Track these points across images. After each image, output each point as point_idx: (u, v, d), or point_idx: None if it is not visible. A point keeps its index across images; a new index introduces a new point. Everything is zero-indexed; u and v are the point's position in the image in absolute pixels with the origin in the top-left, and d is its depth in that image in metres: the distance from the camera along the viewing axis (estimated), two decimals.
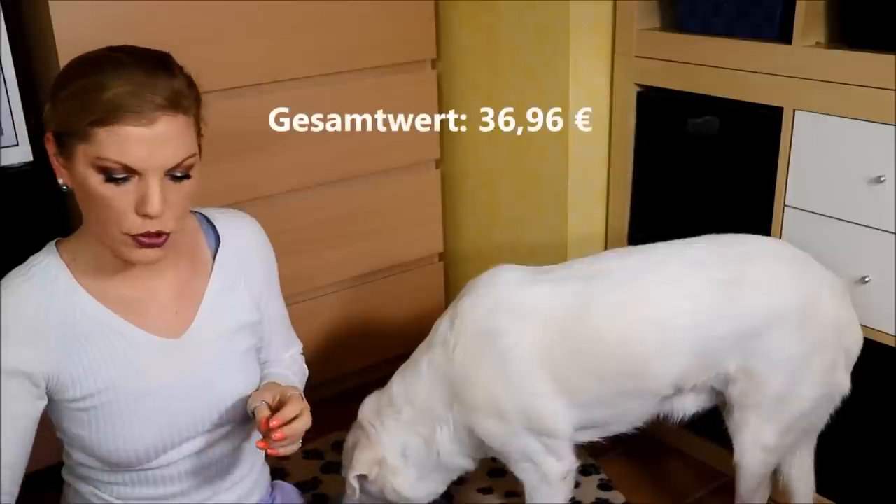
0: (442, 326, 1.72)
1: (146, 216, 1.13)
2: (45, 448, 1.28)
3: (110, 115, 1.08)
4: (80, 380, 1.21)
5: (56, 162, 1.17)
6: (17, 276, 1.21)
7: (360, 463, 1.73)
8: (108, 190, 1.12)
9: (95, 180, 1.12)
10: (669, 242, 1.74)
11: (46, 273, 1.21)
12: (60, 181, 1.18)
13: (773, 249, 1.73)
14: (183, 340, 1.28)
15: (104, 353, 1.22)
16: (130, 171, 1.11)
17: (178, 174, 1.15)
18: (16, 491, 1.23)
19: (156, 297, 1.27)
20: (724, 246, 1.71)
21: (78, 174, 1.13)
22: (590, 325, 1.63)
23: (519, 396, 1.63)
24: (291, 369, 1.49)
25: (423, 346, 1.76)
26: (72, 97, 1.12)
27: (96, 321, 1.22)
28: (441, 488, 1.82)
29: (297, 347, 1.55)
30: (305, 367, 1.55)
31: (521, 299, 1.66)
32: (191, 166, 1.16)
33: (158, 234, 1.15)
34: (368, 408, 1.79)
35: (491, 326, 1.64)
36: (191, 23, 2.02)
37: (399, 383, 1.76)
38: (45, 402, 1.22)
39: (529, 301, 1.66)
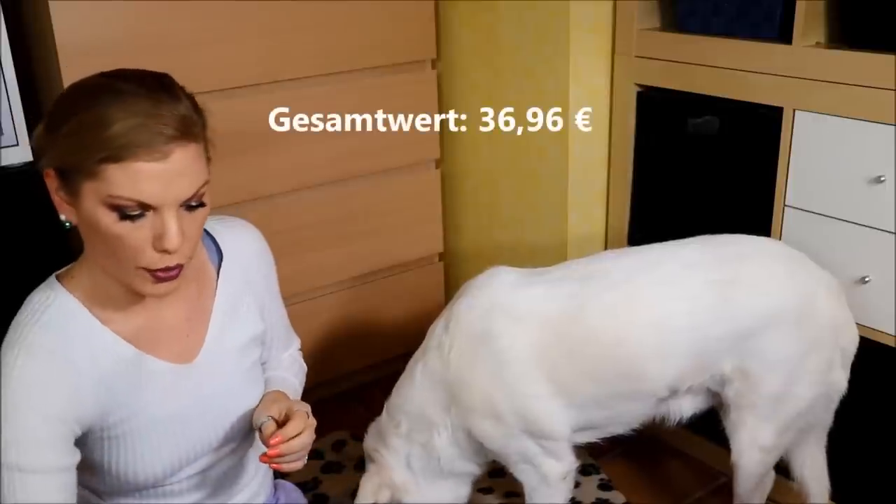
0: (437, 330, 1.72)
1: (164, 252, 1.08)
2: None
3: (120, 152, 1.02)
4: (105, 414, 1.18)
5: (58, 198, 1.11)
6: (29, 323, 1.14)
7: (363, 491, 1.74)
8: (123, 228, 1.06)
9: (108, 219, 1.06)
10: (664, 243, 1.73)
11: (62, 313, 1.15)
12: (63, 217, 1.12)
13: (768, 249, 1.72)
14: (196, 364, 1.26)
15: (125, 386, 1.18)
16: (145, 208, 1.06)
17: (193, 203, 1.10)
18: None
19: (167, 324, 1.24)
20: (719, 246, 1.70)
21: (86, 212, 1.07)
22: (585, 326, 1.63)
23: (514, 398, 1.63)
24: (291, 370, 1.49)
25: (417, 353, 1.76)
26: (73, 133, 1.05)
27: (117, 355, 1.18)
28: (462, 492, 1.81)
29: (295, 344, 1.54)
30: (304, 363, 1.55)
31: (516, 301, 1.66)
32: (204, 194, 1.11)
33: (178, 266, 1.11)
34: (370, 435, 1.80)
35: (486, 328, 1.64)
36: (191, 23, 2.02)
37: (395, 396, 1.77)
38: (79, 457, 1.17)
39: (525, 303, 1.65)
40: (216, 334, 1.29)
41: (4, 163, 1.82)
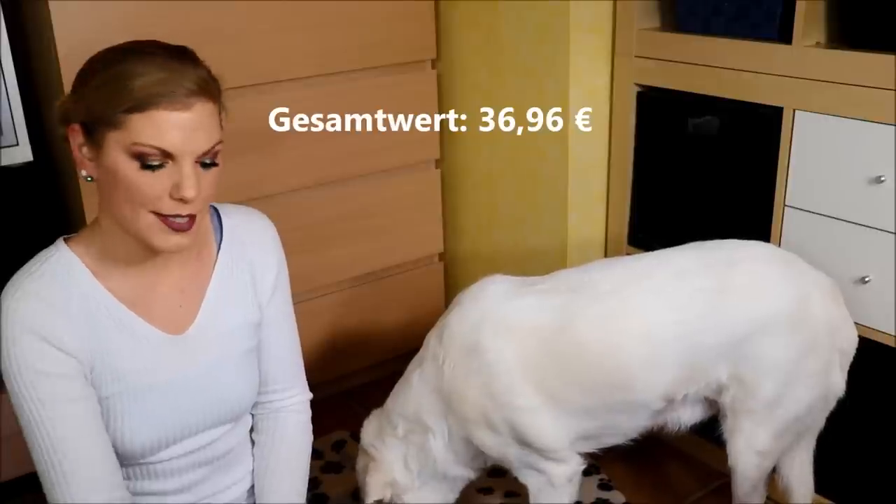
0: (432, 341, 1.72)
1: (181, 200, 1.13)
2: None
3: (146, 101, 1.10)
4: (97, 370, 1.21)
5: (80, 154, 1.17)
6: (25, 273, 1.20)
7: (373, 488, 1.74)
8: (143, 177, 1.12)
9: (129, 167, 1.12)
10: (654, 252, 1.73)
11: (60, 265, 1.21)
12: (84, 173, 1.18)
13: (759, 253, 1.70)
14: (186, 337, 1.29)
15: (116, 345, 1.23)
16: (166, 157, 1.12)
17: (208, 161, 1.16)
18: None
19: (161, 293, 1.28)
20: (708, 252, 1.68)
21: (108, 163, 1.13)
22: (574, 337, 1.61)
23: (505, 410, 1.63)
24: (300, 444, 1.48)
25: (414, 360, 1.77)
26: (102, 86, 1.12)
27: (110, 313, 1.22)
28: (450, 498, 1.82)
29: (302, 390, 1.50)
30: (311, 432, 1.51)
31: (505, 312, 1.65)
32: (218, 153, 1.18)
33: (190, 217, 1.16)
34: (370, 430, 1.80)
35: (476, 341, 1.63)
36: (190, 23, 2.02)
37: (393, 400, 1.77)
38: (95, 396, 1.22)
39: (514, 314, 1.65)
40: (208, 312, 1.31)
41: (4, 163, 1.83)
